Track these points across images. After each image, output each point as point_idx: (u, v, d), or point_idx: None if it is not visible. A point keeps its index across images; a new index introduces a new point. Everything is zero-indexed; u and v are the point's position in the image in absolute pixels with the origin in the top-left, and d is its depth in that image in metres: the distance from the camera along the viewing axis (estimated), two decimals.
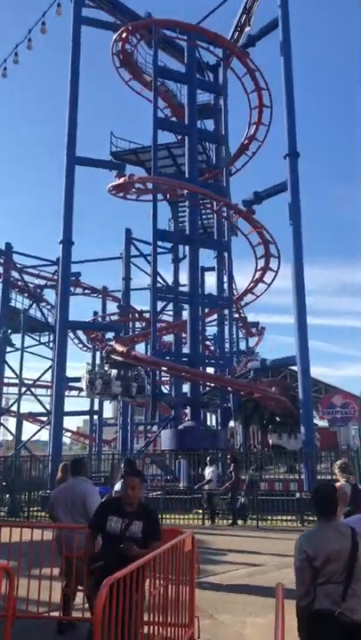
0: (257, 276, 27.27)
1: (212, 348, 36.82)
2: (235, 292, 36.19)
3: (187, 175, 22.68)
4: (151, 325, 22.32)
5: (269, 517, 14.80)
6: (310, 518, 15.16)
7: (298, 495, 15.64)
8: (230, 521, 14.74)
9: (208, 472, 15.43)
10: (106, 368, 22.93)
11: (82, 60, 22.42)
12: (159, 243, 24.09)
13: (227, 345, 26.46)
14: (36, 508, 16.49)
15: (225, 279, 26.21)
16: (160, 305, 26.54)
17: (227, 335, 26.54)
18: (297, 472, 18.05)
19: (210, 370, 25.61)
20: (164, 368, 22.61)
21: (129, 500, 4.21)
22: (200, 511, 15.64)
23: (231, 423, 34.23)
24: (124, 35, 22.81)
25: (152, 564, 3.96)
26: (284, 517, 14.64)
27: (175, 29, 23.80)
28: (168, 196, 25.67)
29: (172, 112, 27.09)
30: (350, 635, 3.26)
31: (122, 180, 21.72)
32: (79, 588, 5.57)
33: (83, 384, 23.87)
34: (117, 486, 7.38)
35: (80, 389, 37.85)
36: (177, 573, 4.58)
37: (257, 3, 25.49)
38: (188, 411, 23.23)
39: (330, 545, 3.40)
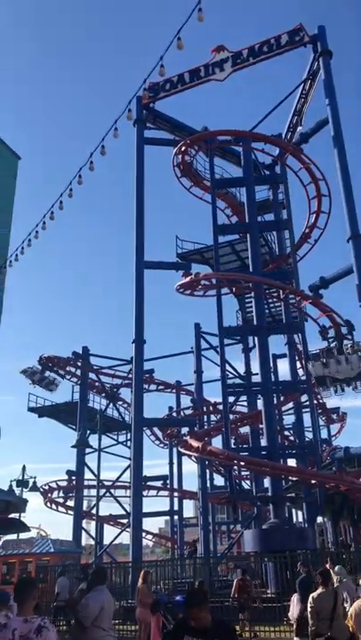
0: None
1: (291, 438, 35.48)
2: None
3: (251, 268, 23.36)
4: (224, 421, 22.04)
5: None
6: None
7: None
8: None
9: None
10: None
11: (146, 172, 24.55)
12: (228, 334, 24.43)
13: (308, 433, 25.64)
14: (117, 621, 15.70)
15: (298, 365, 25.86)
16: (233, 397, 26.29)
17: (307, 422, 25.63)
18: None
19: (291, 462, 24.53)
20: (241, 463, 21.93)
21: (198, 628, 3.90)
22: (292, 621, 14.33)
23: (319, 519, 32.08)
24: (183, 148, 24.76)
25: None
26: None
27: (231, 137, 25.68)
28: (234, 289, 26.30)
29: (232, 211, 28.43)
30: None
31: (188, 278, 22.61)
32: None
33: None
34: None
35: (159, 488, 37.20)
36: None
37: (307, 105, 27.09)
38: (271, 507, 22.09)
39: (324, 600, 7.11)
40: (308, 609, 7.22)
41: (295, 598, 9.21)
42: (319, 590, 7.29)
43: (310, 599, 7.24)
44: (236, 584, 14.37)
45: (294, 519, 36.01)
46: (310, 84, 25.44)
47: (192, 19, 10.86)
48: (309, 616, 7.17)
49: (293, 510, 36.02)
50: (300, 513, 35.82)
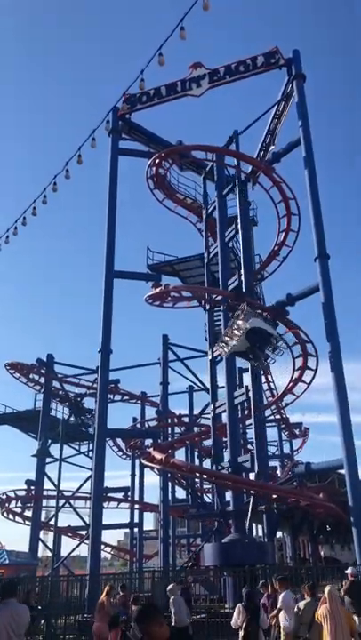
0: (296, 375, 27.07)
1: (254, 452, 35.69)
2: (274, 392, 35.78)
3: (220, 283, 23.60)
4: (212, 443, 21.98)
5: None
6: None
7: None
8: None
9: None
10: None
11: (122, 183, 24.63)
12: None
13: (272, 447, 25.96)
14: (72, 636, 15.38)
15: (263, 379, 26.19)
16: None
17: (272, 437, 25.84)
18: None
19: (253, 476, 24.66)
20: (203, 475, 21.95)
21: None
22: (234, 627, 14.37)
23: (279, 534, 32.31)
24: (157, 160, 24.92)
25: None
26: None
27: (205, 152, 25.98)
28: (203, 302, 26.49)
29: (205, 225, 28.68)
30: None
31: (158, 289, 22.68)
32: None
33: None
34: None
35: (120, 500, 36.84)
36: None
37: (280, 125, 27.65)
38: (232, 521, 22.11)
39: (309, 608, 8.62)
40: (294, 614, 9.05)
41: (240, 607, 9.74)
42: (306, 600, 8.96)
43: (296, 608, 9.05)
44: (120, 600, 14.42)
45: (254, 533, 36.14)
46: (284, 106, 25.97)
47: (175, 35, 11.04)
48: (294, 620, 9.04)
49: (254, 525, 36.14)
50: (260, 527, 35.97)
